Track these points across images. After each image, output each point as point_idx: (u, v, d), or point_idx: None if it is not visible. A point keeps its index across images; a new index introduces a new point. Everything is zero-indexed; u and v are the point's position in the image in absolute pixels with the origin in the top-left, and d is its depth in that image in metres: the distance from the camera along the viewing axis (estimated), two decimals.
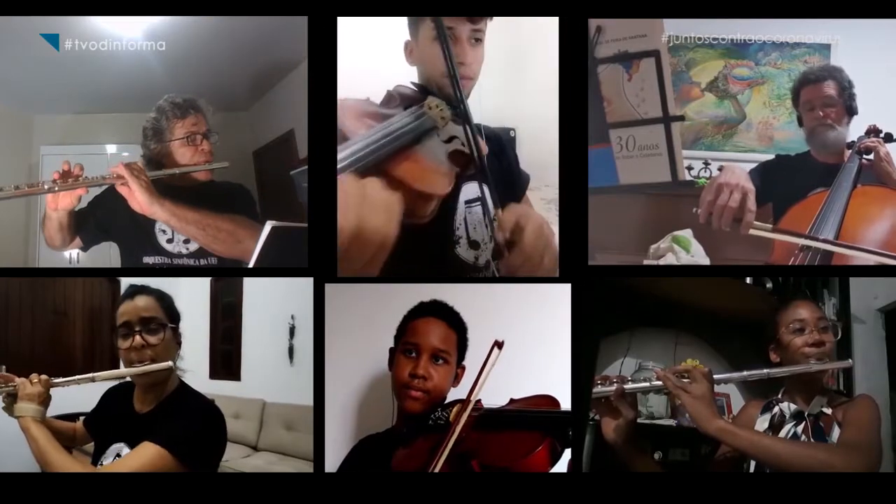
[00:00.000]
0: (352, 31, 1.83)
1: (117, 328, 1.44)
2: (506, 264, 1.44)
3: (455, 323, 1.60)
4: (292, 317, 3.19)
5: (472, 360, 1.57)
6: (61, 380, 1.44)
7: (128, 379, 1.48)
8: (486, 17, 1.60)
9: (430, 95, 1.56)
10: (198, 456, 1.37)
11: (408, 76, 1.64)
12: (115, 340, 1.45)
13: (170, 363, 1.43)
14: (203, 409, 1.46)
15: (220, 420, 1.46)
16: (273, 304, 3.26)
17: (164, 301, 1.48)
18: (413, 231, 1.41)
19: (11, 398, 1.39)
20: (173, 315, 1.49)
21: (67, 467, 1.32)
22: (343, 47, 1.81)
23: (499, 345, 1.46)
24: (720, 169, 2.34)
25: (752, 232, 1.83)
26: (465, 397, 1.47)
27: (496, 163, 1.65)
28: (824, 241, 1.80)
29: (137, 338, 1.42)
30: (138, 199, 1.82)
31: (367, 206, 1.26)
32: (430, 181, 1.44)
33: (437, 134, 1.52)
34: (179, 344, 1.49)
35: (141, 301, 1.45)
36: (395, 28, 1.81)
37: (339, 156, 1.37)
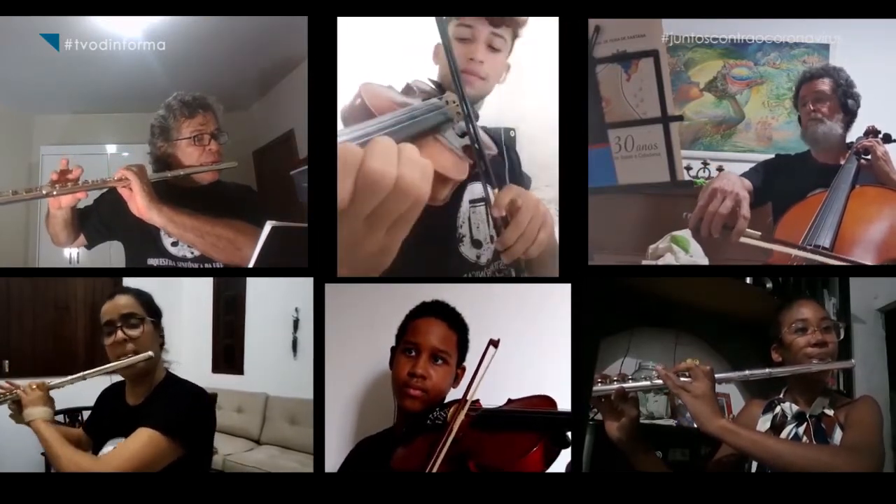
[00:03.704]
0: (352, 31, 1.83)
1: (102, 327, 1.53)
2: (501, 241, 1.44)
3: (456, 324, 1.60)
4: (296, 310, 3.19)
5: (473, 361, 1.57)
6: (57, 381, 1.52)
7: (118, 378, 1.58)
8: (508, 28, 1.62)
9: (448, 91, 1.57)
10: (189, 434, 1.45)
11: (408, 76, 1.64)
12: (102, 339, 1.54)
13: (149, 353, 1.51)
14: (189, 392, 1.55)
15: (208, 400, 1.58)
16: (276, 297, 3.27)
17: (142, 298, 1.57)
18: (423, 218, 1.40)
19: (16, 405, 1.46)
20: (153, 311, 1.58)
21: (76, 462, 1.38)
22: (343, 47, 1.81)
23: (494, 343, 1.47)
24: (720, 169, 2.35)
25: (743, 240, 1.83)
26: (462, 395, 1.47)
27: (500, 164, 1.65)
28: (813, 250, 1.80)
29: (119, 333, 1.51)
30: (137, 202, 1.80)
31: (405, 162, 1.22)
32: (450, 165, 1.44)
33: (453, 127, 1.53)
34: (162, 338, 1.59)
35: (121, 300, 1.54)
36: (396, 28, 1.82)
37: (366, 127, 1.32)
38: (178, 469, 1.42)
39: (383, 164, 1.11)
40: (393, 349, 1.63)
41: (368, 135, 1.33)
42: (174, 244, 1.93)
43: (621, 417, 1.56)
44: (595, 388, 1.58)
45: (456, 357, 1.59)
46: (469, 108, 1.48)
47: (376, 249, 1.12)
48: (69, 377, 1.54)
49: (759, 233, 1.84)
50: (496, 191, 1.47)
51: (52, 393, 1.50)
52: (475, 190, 1.62)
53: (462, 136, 1.52)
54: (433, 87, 1.63)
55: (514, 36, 1.65)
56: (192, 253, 1.92)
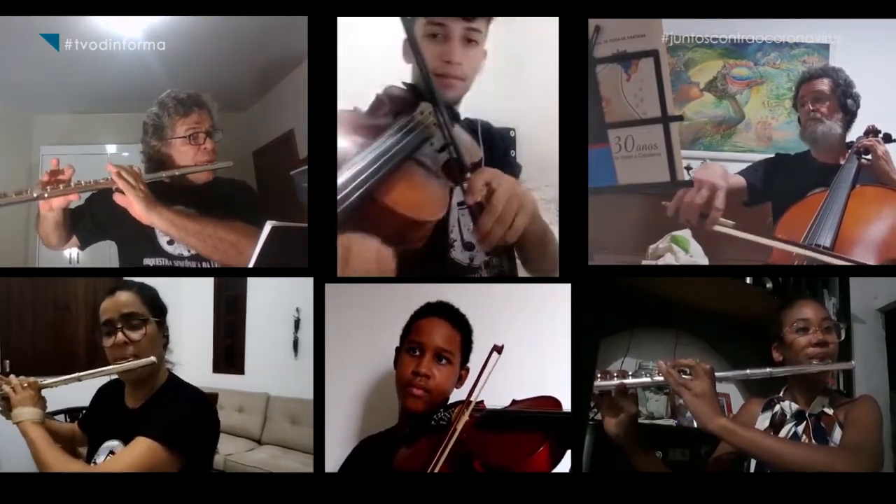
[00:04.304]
0: (352, 31, 1.83)
1: (100, 326, 1.43)
2: (477, 228, 1.42)
3: (460, 324, 1.61)
4: (297, 310, 3.18)
5: (476, 362, 1.57)
6: (50, 380, 1.43)
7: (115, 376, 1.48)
8: (483, 18, 1.58)
9: (422, 101, 1.53)
10: (190, 446, 1.37)
11: (396, 77, 1.63)
12: (99, 339, 1.44)
13: (152, 359, 1.41)
14: (192, 400, 1.46)
15: (211, 409, 1.48)
16: (277, 297, 3.27)
17: (146, 294, 1.46)
18: (405, 253, 1.40)
19: (6, 401, 1.39)
20: (156, 309, 1.47)
21: (62, 467, 1.32)
22: (343, 47, 1.81)
23: (498, 349, 1.47)
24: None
25: (717, 228, 1.86)
26: (465, 396, 1.47)
27: (488, 156, 1.64)
28: (802, 244, 1.82)
29: (119, 335, 1.41)
30: (135, 208, 1.79)
31: (355, 261, 1.23)
32: (424, 207, 1.43)
33: (430, 143, 1.51)
34: (166, 337, 1.49)
35: (122, 296, 1.43)
36: (396, 28, 1.81)
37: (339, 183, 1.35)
38: (177, 476, 1.36)
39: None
40: (397, 349, 1.63)
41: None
42: (170, 242, 1.92)
43: (620, 414, 1.56)
44: (596, 383, 1.58)
45: (459, 357, 1.59)
46: (445, 119, 1.44)
47: None
48: (63, 377, 1.45)
49: (733, 222, 1.86)
50: (468, 174, 1.44)
51: (49, 392, 1.43)
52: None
53: (441, 150, 1.50)
54: (406, 90, 1.60)
55: (489, 22, 1.61)
56: (190, 251, 1.91)
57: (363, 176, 1.38)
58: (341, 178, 1.37)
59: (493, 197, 1.40)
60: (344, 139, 1.47)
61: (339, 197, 1.35)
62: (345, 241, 1.27)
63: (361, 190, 1.37)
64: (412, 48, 1.42)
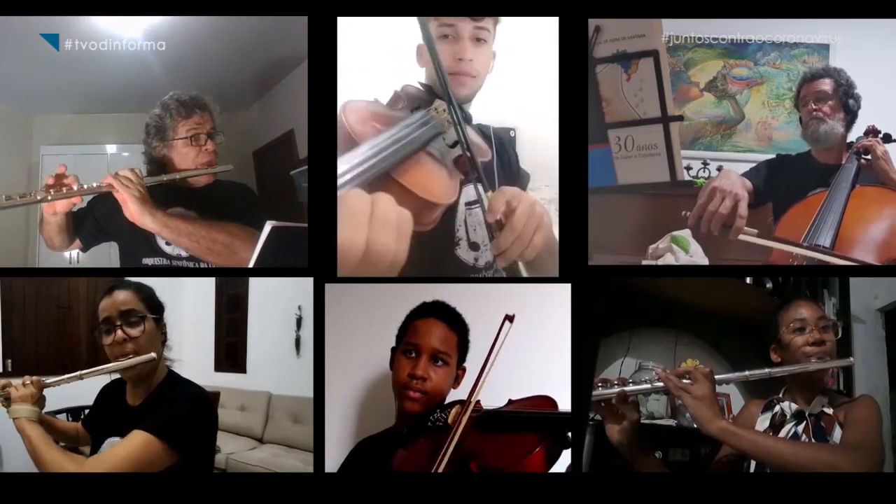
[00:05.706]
0: (352, 31, 1.83)
1: (99, 325, 1.45)
2: (496, 245, 1.42)
3: (456, 324, 1.60)
4: (299, 308, 3.18)
5: (473, 361, 1.57)
6: (53, 379, 1.45)
7: (116, 375, 1.50)
8: (490, 18, 1.60)
9: (437, 98, 1.55)
10: (187, 440, 1.38)
11: (407, 77, 1.64)
12: (99, 338, 1.46)
13: (152, 355, 1.43)
14: (190, 395, 1.47)
15: (209, 404, 1.50)
16: (279, 295, 3.26)
17: (143, 293, 1.49)
18: (415, 236, 1.40)
19: (7, 401, 1.39)
20: (154, 306, 1.49)
21: (60, 464, 1.33)
22: (343, 47, 1.81)
23: (509, 318, 1.46)
24: (719, 169, 2.35)
25: (742, 237, 1.84)
26: (466, 396, 1.47)
27: (497, 162, 1.65)
28: (809, 247, 1.81)
29: (119, 332, 1.43)
30: (130, 208, 1.79)
31: (376, 224, 1.21)
32: (436, 190, 1.43)
33: (443, 138, 1.52)
34: (164, 335, 1.51)
35: (119, 295, 1.45)
36: (395, 28, 1.82)
37: (347, 163, 1.34)
38: (176, 472, 1.38)
39: (351, 230, 1.12)
40: (393, 349, 1.63)
41: (353, 167, 1.33)
42: (168, 243, 1.92)
43: (622, 421, 1.56)
44: (595, 392, 1.58)
45: (456, 358, 1.59)
46: (458, 116, 1.46)
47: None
48: (65, 376, 1.46)
49: (756, 230, 1.85)
50: (490, 193, 1.45)
51: (50, 391, 1.43)
52: (470, 192, 1.60)
53: (453, 145, 1.51)
54: (422, 89, 1.62)
55: (496, 23, 1.64)
56: (187, 251, 1.92)
57: (381, 155, 1.37)
58: (355, 158, 1.35)
59: (513, 216, 1.40)
60: (361, 126, 1.47)
61: (357, 170, 1.33)
62: (368, 199, 1.21)
63: (379, 168, 1.36)
64: (427, 47, 1.43)
